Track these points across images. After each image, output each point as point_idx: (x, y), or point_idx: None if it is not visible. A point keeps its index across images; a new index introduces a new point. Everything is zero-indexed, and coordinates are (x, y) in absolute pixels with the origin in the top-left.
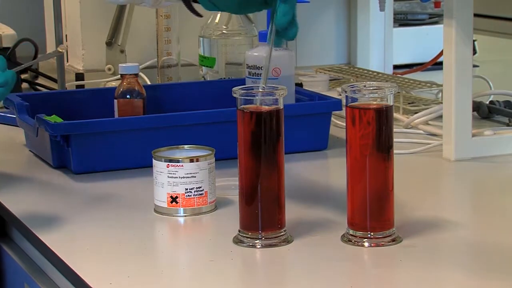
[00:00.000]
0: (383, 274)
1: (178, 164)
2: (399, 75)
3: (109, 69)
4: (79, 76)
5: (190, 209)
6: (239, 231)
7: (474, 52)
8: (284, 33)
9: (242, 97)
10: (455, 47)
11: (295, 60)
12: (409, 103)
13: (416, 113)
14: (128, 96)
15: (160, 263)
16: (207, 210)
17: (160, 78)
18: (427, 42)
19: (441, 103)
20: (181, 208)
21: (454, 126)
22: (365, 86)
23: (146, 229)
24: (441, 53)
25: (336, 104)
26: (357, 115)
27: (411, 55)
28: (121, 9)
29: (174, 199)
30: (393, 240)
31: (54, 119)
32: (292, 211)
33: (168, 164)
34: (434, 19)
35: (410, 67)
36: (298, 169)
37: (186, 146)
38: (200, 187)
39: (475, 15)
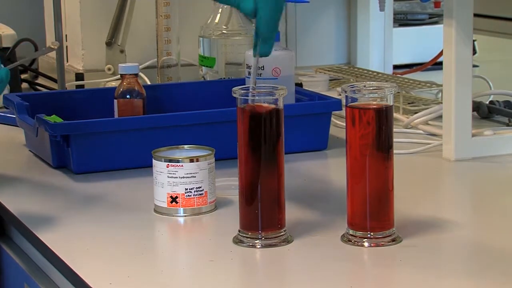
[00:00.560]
0: (383, 274)
1: (178, 164)
2: (399, 75)
3: (109, 69)
4: (79, 76)
5: (190, 209)
6: (239, 231)
7: (474, 52)
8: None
9: (242, 97)
10: (455, 47)
11: (295, 60)
12: (409, 103)
13: (416, 113)
14: (128, 96)
15: (160, 263)
16: (207, 210)
17: (160, 78)
18: (427, 42)
19: (441, 103)
20: (181, 208)
21: (454, 126)
22: (365, 86)
23: (146, 229)
24: (441, 53)
25: (336, 104)
26: (357, 115)
27: (411, 55)
28: (121, 9)
29: (174, 199)
30: (393, 240)
31: (54, 119)
32: (292, 211)
33: (168, 164)
34: (434, 19)
35: (410, 67)
36: (298, 169)
37: (186, 146)
38: (200, 187)
39: (475, 15)
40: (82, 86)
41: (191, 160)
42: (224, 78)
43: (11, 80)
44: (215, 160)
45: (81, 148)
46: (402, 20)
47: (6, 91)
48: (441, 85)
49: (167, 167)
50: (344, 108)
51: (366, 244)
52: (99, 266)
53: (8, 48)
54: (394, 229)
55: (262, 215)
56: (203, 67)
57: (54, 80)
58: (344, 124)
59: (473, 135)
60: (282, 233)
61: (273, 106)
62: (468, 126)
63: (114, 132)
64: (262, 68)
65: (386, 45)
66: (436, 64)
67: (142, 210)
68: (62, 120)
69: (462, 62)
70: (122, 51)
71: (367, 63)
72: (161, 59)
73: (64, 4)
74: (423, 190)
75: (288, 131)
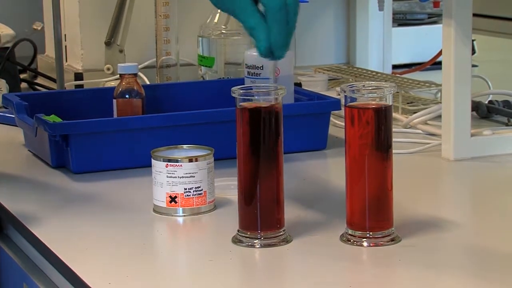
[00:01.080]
0: (382, 273)
1: (177, 164)
2: (398, 75)
3: (108, 69)
4: (78, 76)
5: (189, 208)
6: (238, 230)
7: (473, 52)
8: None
9: (241, 97)
10: (454, 47)
11: (294, 60)
12: (408, 103)
13: (415, 112)
14: (127, 96)
15: (159, 262)
16: (206, 210)
17: (159, 78)
18: (426, 42)
19: (440, 102)
20: (180, 208)
21: (453, 125)
22: (364, 86)
23: (145, 229)
24: (440, 53)
25: (335, 104)
26: (356, 115)
27: (410, 55)
28: (120, 8)
29: (173, 199)
30: (392, 240)
31: (53, 118)
32: (291, 211)
33: (167, 164)
34: (433, 19)
35: (409, 66)
36: (297, 169)
37: (185, 146)
38: (199, 187)
39: (474, 15)
40: (81, 86)
41: (190, 160)
42: (223, 77)
43: (10, 79)
44: (214, 160)
45: (80, 147)
46: (401, 20)
47: (5, 90)
48: (440, 85)
49: (166, 167)
50: (343, 108)
51: (365, 243)
52: (98, 265)
53: (7, 48)
54: (393, 228)
55: (261, 215)
56: (202, 67)
57: (53, 80)
58: (343, 124)
59: (472, 135)
60: (281, 233)
61: (272, 105)
62: (467, 125)
63: (113, 132)
64: (261, 68)
65: (385, 45)
66: (435, 64)
67: (141, 210)
68: (61, 120)
69: (461, 62)
70: (121, 51)
71: (366, 63)
72: (160, 59)
73: (63, 4)
74: (422, 190)
75: (287, 131)
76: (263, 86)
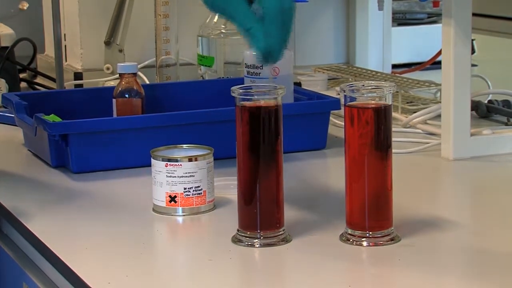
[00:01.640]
0: (382, 273)
1: (177, 163)
2: (398, 75)
3: (108, 69)
4: (78, 76)
5: (188, 208)
6: (238, 230)
7: (473, 51)
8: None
9: (241, 96)
10: (453, 47)
11: (293, 60)
12: (407, 103)
13: (414, 112)
14: (126, 96)
15: (158, 262)
16: (205, 209)
17: (159, 77)
18: (425, 41)
19: (440, 102)
20: (180, 208)
21: (453, 125)
22: (363, 85)
23: (144, 228)
24: (439, 53)
25: (334, 104)
26: (356, 115)
27: (409, 54)
28: (120, 8)
29: (172, 199)
30: (392, 240)
31: (53, 118)
32: (291, 211)
33: (167, 164)
34: (433, 18)
35: (408, 66)
36: (296, 169)
37: (184, 146)
38: (199, 187)
39: (474, 14)
40: (81, 85)
41: (190, 160)
42: (223, 77)
43: (10, 79)
44: (214, 159)
45: (80, 147)
46: (401, 19)
47: (4, 90)
48: (440, 85)
49: (166, 167)
50: (342, 108)
51: (364, 243)
52: (97, 265)
53: (6, 47)
54: (392, 228)
55: (260, 215)
56: (201, 67)
57: (53, 80)
58: (343, 124)
59: (472, 135)
60: (281, 233)
61: (272, 105)
62: (467, 125)
63: (113, 132)
64: (260, 67)
65: (385, 44)
66: (434, 64)
67: (140, 209)
68: (61, 120)
69: (461, 62)
70: (120, 51)
71: (365, 63)
72: (160, 59)
73: (62, 3)
74: (422, 190)
75: (287, 130)
76: (263, 85)
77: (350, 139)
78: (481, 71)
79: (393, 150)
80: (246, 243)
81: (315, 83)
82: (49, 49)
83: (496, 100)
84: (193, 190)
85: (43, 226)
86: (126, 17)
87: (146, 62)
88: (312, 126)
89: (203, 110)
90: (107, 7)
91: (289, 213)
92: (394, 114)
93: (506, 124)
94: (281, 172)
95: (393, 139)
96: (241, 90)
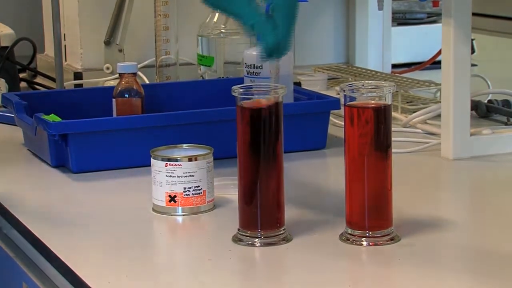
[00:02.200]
0: (381, 273)
1: (177, 163)
2: (398, 74)
3: (108, 68)
4: (78, 75)
5: (188, 208)
6: (239, 229)
7: (473, 51)
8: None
9: (242, 96)
10: (453, 46)
11: (293, 59)
12: (407, 102)
13: (414, 112)
14: (126, 95)
15: (158, 262)
16: (205, 209)
17: (159, 77)
18: (425, 41)
19: (440, 102)
20: (180, 207)
21: (453, 125)
22: (363, 85)
23: (144, 228)
24: (439, 52)
25: (334, 103)
26: (356, 114)
27: (409, 54)
28: (120, 8)
29: (172, 198)
30: (392, 239)
31: (53, 118)
32: (291, 210)
33: (167, 163)
34: (433, 18)
35: (408, 66)
36: (296, 168)
37: (184, 145)
38: (199, 186)
39: (474, 14)
40: (81, 85)
41: (190, 159)
42: (223, 77)
43: (10, 79)
44: (214, 159)
45: (80, 147)
46: (401, 19)
47: (4, 90)
48: (440, 84)
49: (166, 166)
50: (342, 107)
51: (364, 243)
52: (97, 265)
53: (6, 47)
54: (392, 228)
55: (261, 214)
56: (201, 66)
57: (53, 79)
58: (343, 123)
59: (472, 134)
60: (281, 232)
61: (272, 104)
62: (467, 125)
63: (113, 131)
64: (260, 67)
65: (385, 44)
66: (434, 63)
67: (140, 209)
68: (61, 119)
69: (461, 61)
70: (120, 50)
71: (365, 62)
72: (160, 58)
73: (62, 3)
74: (422, 189)
75: (287, 130)
76: (263, 85)
77: (350, 139)
78: (481, 71)
79: (393, 150)
80: (247, 242)
81: (315, 83)
82: (49, 49)
83: (496, 100)
84: (193, 190)
85: (43, 225)
86: (126, 17)
87: (146, 62)
88: (312, 126)
89: (203, 110)
90: (107, 7)
91: (289, 213)
92: (394, 114)
93: (506, 124)
94: (282, 171)
95: (393, 139)
96: (242, 90)
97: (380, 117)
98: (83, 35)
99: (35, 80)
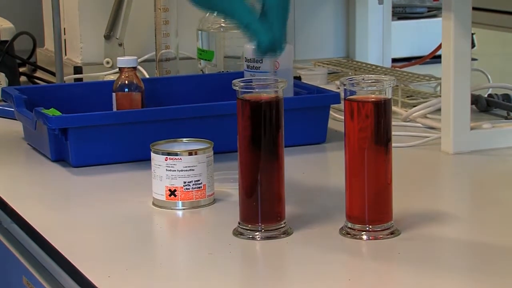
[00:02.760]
0: (381, 267)
1: (177, 157)
2: (398, 69)
3: (108, 63)
4: (78, 70)
5: (188, 202)
6: (239, 223)
7: (473, 45)
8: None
9: (242, 90)
10: (453, 41)
11: (293, 54)
12: (407, 97)
13: (414, 106)
14: (126, 90)
15: (158, 256)
16: (205, 203)
17: (159, 71)
18: (425, 35)
19: (440, 96)
20: (180, 201)
21: (453, 119)
22: (363, 79)
23: (144, 222)
24: (439, 47)
25: (334, 97)
26: (356, 108)
27: (409, 48)
28: (120, 2)
29: (172, 192)
30: (392, 233)
31: (53, 112)
32: (291, 204)
33: (167, 157)
34: (433, 12)
35: (408, 60)
36: (296, 163)
37: (184, 139)
38: (199, 180)
39: (474, 8)
40: (81, 79)
41: (190, 153)
42: (223, 71)
43: (9, 73)
44: (214, 153)
45: (80, 141)
46: (401, 13)
47: (4, 84)
48: (440, 79)
49: (166, 160)
50: (342, 101)
51: (364, 237)
52: (97, 259)
53: (6, 41)
54: (392, 222)
55: (262, 208)
56: (201, 61)
57: (53, 74)
58: (343, 118)
59: (472, 128)
60: (282, 225)
61: (273, 98)
62: (467, 119)
63: (113, 126)
64: (260, 61)
65: (385, 38)
66: (434, 58)
67: (140, 203)
68: (61, 114)
69: (461, 56)
70: (120, 45)
71: (365, 57)
72: (160, 53)
73: None
74: (422, 183)
75: (287, 124)
76: (264, 78)
77: (350, 133)
78: (481, 65)
79: (393, 144)
80: (248, 236)
81: (315, 77)
82: (49, 43)
83: (496, 94)
84: (193, 184)
85: (43, 219)
86: (126, 11)
87: (146, 56)
88: (312, 120)
89: (203, 104)
90: (107, 1)
91: (290, 207)
92: (394, 108)
93: (506, 118)
94: (282, 165)
95: (393, 133)
96: (242, 83)
97: (380, 111)
98: (83, 29)
99: (35, 74)
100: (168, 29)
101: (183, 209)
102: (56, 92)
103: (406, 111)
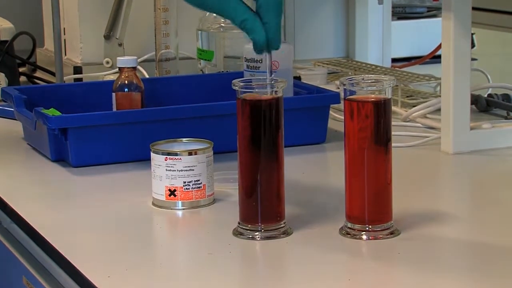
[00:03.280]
0: (381, 267)
1: (176, 157)
2: (398, 68)
3: (107, 63)
4: (77, 69)
5: (188, 202)
6: (239, 223)
7: (473, 45)
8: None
9: (242, 89)
10: (453, 41)
11: (293, 54)
12: (407, 96)
13: (414, 106)
14: (126, 90)
15: (158, 256)
16: (205, 203)
17: (158, 71)
18: (425, 35)
19: (439, 96)
20: (179, 201)
21: (452, 119)
22: (363, 79)
23: (144, 222)
24: (439, 47)
25: (334, 97)
26: (355, 108)
27: (409, 48)
28: (119, 2)
29: (172, 192)
30: (391, 233)
31: (52, 112)
32: (291, 204)
33: (166, 157)
34: (433, 12)
35: (408, 60)
36: (296, 163)
37: (184, 139)
38: (198, 180)
39: (474, 8)
40: (81, 79)
41: (190, 153)
42: (223, 71)
43: (9, 73)
44: (214, 153)
45: (79, 141)
46: (401, 13)
47: (4, 84)
48: (440, 79)
49: (165, 160)
50: (342, 101)
51: (364, 237)
52: (97, 259)
53: (6, 41)
54: (392, 222)
55: (261, 208)
56: (201, 61)
57: (52, 74)
58: (343, 117)
59: (472, 128)
60: (282, 225)
61: (273, 98)
62: (467, 119)
63: (112, 125)
64: (260, 61)
65: (385, 38)
66: (434, 58)
67: (140, 203)
68: (60, 114)
69: (461, 56)
70: (120, 45)
71: (365, 57)
72: (160, 53)
73: None
74: (422, 183)
75: (287, 124)
76: (264, 78)
77: (350, 133)
78: (480, 65)
79: (393, 144)
80: (247, 236)
81: (314, 77)
82: (49, 43)
83: (495, 94)
84: (193, 184)
85: (43, 220)
86: (126, 11)
87: (146, 56)
88: (311, 120)
89: (203, 104)
90: (106, 1)
91: (289, 207)
92: (393, 108)
93: (506, 118)
94: (282, 165)
95: (392, 133)
96: (242, 83)
97: (380, 111)
98: (83, 29)
99: (35, 74)
100: (168, 29)
101: (183, 209)
102: (56, 92)
103: (406, 111)
